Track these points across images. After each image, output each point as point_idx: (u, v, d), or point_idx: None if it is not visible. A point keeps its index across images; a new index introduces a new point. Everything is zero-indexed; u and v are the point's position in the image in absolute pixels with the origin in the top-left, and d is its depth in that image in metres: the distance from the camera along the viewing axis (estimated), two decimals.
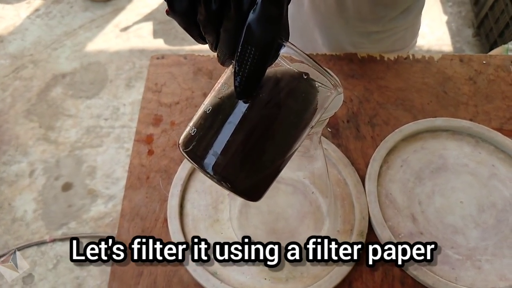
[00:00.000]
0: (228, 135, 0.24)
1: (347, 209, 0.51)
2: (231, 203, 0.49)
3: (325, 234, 0.48)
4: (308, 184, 0.47)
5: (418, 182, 0.53)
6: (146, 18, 1.96)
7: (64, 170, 1.47)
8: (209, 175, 0.24)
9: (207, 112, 0.25)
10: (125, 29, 1.91)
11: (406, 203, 0.51)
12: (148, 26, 1.93)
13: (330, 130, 0.58)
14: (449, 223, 0.50)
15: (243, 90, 0.23)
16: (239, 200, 0.46)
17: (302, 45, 0.70)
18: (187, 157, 0.25)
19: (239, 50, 0.22)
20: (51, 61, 1.78)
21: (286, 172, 0.44)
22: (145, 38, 1.88)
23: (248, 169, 0.25)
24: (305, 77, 0.25)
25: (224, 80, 0.26)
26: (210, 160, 0.24)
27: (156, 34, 1.89)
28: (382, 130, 0.58)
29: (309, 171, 0.42)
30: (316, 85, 0.25)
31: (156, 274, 0.47)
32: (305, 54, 0.24)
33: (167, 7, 0.23)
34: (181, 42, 1.83)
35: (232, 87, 0.24)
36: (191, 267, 0.46)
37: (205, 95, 0.62)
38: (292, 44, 0.24)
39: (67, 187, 1.43)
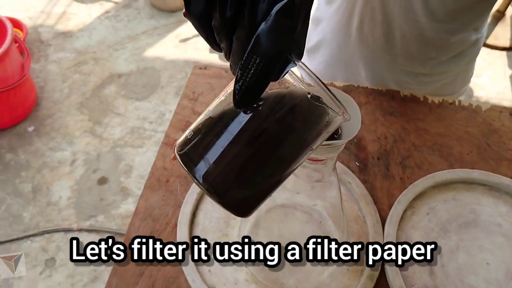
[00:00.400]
0: (223, 144, 0.24)
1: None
2: (243, 221, 0.49)
3: (333, 269, 0.46)
4: (322, 213, 0.45)
5: (443, 233, 0.50)
6: None
7: (102, 165, 1.52)
8: (198, 183, 0.24)
9: (207, 118, 0.25)
10: (184, 40, 1.98)
11: None
12: None
13: (358, 164, 0.56)
14: (470, 284, 0.46)
15: (241, 99, 0.22)
16: (252, 219, 0.46)
17: (346, 77, 0.69)
18: (179, 159, 0.25)
19: (244, 58, 0.22)
20: (111, 60, 1.87)
21: (304, 199, 0.43)
22: (201, 51, 1.94)
23: (239, 183, 0.24)
24: (309, 96, 0.24)
25: (231, 89, 0.25)
26: (201, 167, 0.24)
27: (212, 50, 1.95)
28: (413, 173, 0.56)
29: (323, 199, 0.41)
30: (323, 107, 0.24)
31: (156, 277, 0.47)
32: (315, 75, 0.23)
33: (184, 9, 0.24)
34: None
35: None
36: (190, 276, 0.46)
37: None
38: (304, 64, 0.24)
39: (102, 181, 1.48)
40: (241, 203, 0.25)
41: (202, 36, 0.25)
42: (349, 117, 0.25)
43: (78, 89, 1.75)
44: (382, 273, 0.46)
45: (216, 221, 0.51)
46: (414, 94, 0.64)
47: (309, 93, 0.24)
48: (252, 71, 0.22)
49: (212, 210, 0.52)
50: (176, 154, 0.25)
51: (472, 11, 0.56)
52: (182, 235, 0.49)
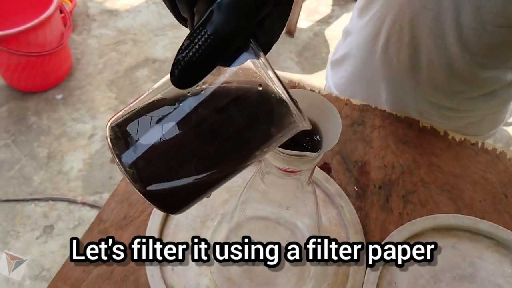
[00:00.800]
0: (156, 128, 0.21)
1: (339, 280, 0.44)
2: (221, 225, 0.45)
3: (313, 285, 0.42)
4: (304, 232, 0.41)
5: (433, 283, 0.45)
6: None
7: None
8: (119, 163, 0.21)
9: (149, 97, 0.22)
10: None
11: None
12: None
13: (356, 189, 0.52)
14: None
15: (179, 74, 0.19)
16: (230, 225, 0.43)
17: (365, 96, 0.65)
18: (107, 133, 0.22)
19: (194, 29, 0.19)
20: (149, 44, 1.89)
21: (287, 214, 0.39)
22: None
23: (167, 174, 0.21)
24: (260, 88, 0.21)
25: None
26: (130, 151, 0.21)
27: None
28: (415, 210, 0.51)
29: (297, 213, 0.37)
30: (277, 107, 0.21)
31: (117, 265, 0.45)
32: (273, 71, 0.20)
33: None
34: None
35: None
36: (150, 271, 0.43)
37: None
38: (265, 57, 0.20)
39: None
40: (165, 197, 0.22)
41: (167, 7, 0.22)
42: (308, 125, 0.21)
43: (112, 67, 1.78)
44: None
45: (192, 219, 0.48)
46: (435, 127, 0.59)
47: (260, 85, 0.21)
48: (197, 46, 0.19)
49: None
50: (107, 126, 0.22)
51: (511, 48, 0.51)
52: (152, 226, 0.46)
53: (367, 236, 0.48)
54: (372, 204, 0.51)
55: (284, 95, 0.20)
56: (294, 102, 0.20)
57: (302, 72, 1.87)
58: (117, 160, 0.21)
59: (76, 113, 1.60)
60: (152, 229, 0.46)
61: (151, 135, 0.21)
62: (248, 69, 0.20)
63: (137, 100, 0.22)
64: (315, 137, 0.29)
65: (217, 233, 0.45)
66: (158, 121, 0.21)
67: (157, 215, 0.47)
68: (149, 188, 0.21)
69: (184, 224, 0.48)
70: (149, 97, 0.22)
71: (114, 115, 0.22)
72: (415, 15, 0.50)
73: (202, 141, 0.21)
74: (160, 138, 0.21)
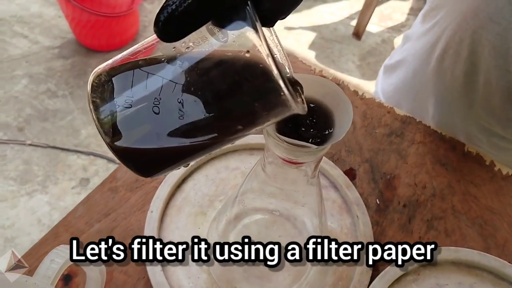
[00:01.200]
0: (142, 87, 0.19)
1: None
2: (224, 210, 0.44)
3: None
4: (307, 225, 0.39)
5: None
6: (312, 28, 1.98)
7: None
8: (95, 111, 0.20)
9: (138, 53, 0.21)
10: (290, 29, 1.95)
11: None
12: (310, 36, 1.94)
13: (378, 202, 0.49)
14: None
15: (164, 25, 0.18)
16: (229, 216, 0.42)
17: (411, 108, 0.61)
18: (91, 79, 0.21)
19: None
20: None
21: (283, 204, 0.38)
22: (301, 44, 1.90)
23: (141, 134, 0.20)
24: (248, 55, 0.18)
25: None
26: (108, 98, 0.20)
27: (312, 46, 1.90)
28: (437, 238, 0.47)
29: (303, 208, 0.35)
30: (264, 80, 0.18)
31: (119, 224, 0.45)
32: (268, 45, 0.18)
33: None
34: (330, 64, 1.81)
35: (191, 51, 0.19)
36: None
37: None
38: (260, 26, 0.18)
39: None
40: (138, 158, 0.21)
41: None
42: (303, 110, 0.19)
43: None
44: None
45: (201, 196, 0.47)
46: (481, 154, 0.54)
47: (248, 51, 0.18)
48: None
49: (203, 183, 0.48)
50: (91, 78, 0.21)
51: None
52: (161, 194, 0.46)
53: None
54: (391, 221, 0.48)
55: (273, 67, 0.17)
56: (291, 80, 0.18)
57: (362, 77, 1.81)
58: (93, 108, 0.20)
59: None
60: (159, 197, 0.45)
61: (132, 92, 0.20)
62: (246, 40, 0.18)
63: (129, 52, 0.21)
64: (328, 130, 0.27)
65: (221, 216, 0.44)
66: (141, 79, 0.20)
67: (167, 184, 0.47)
68: (118, 144, 0.20)
69: (192, 199, 0.47)
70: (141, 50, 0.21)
71: (104, 64, 0.22)
72: (479, 28, 0.45)
73: (180, 106, 0.20)
74: (141, 97, 0.20)
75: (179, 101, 0.19)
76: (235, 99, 0.19)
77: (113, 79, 0.20)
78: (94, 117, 0.20)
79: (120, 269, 0.42)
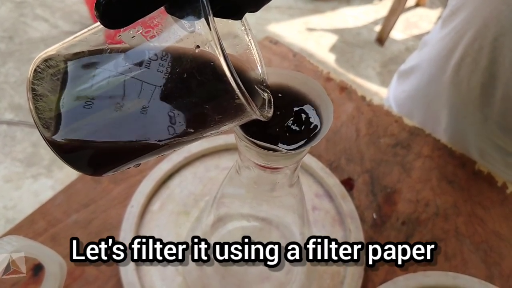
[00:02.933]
0: (87, 78, 0.17)
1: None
2: (200, 221, 0.42)
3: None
4: (284, 232, 0.37)
5: None
6: (334, 31, 1.94)
7: None
8: (35, 101, 0.18)
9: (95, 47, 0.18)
10: (311, 30, 1.92)
11: None
12: (332, 38, 1.90)
13: (375, 217, 0.46)
14: None
15: (105, 7, 0.15)
16: (207, 223, 0.39)
17: (423, 118, 0.57)
18: (35, 64, 0.19)
19: None
20: None
21: (260, 212, 0.35)
22: (321, 46, 1.86)
23: (83, 130, 0.18)
24: (197, 51, 0.16)
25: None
26: (59, 88, 0.18)
27: (333, 49, 1.86)
28: (438, 261, 0.43)
29: (281, 214, 0.32)
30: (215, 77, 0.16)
31: (97, 216, 0.43)
32: (220, 42, 0.15)
33: None
34: (349, 69, 1.76)
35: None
36: (124, 233, 0.40)
37: None
38: (214, 23, 0.15)
39: None
40: (78, 156, 0.19)
41: None
42: (263, 116, 0.17)
43: None
44: None
45: (187, 194, 0.45)
46: (493, 174, 0.50)
47: (198, 46, 0.16)
48: None
49: (190, 181, 0.46)
50: (35, 62, 0.19)
51: None
52: (144, 189, 0.43)
53: (368, 273, 0.41)
54: (387, 238, 0.44)
55: (225, 67, 0.15)
56: (259, 82, 0.15)
57: (382, 84, 1.76)
58: (31, 96, 0.18)
59: None
60: (141, 192, 0.43)
61: (77, 83, 0.17)
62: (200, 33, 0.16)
63: (76, 38, 0.19)
64: (311, 130, 0.24)
65: (202, 219, 0.41)
66: (87, 69, 0.17)
67: (152, 179, 0.44)
68: (59, 138, 0.18)
69: (177, 197, 0.44)
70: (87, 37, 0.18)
71: (50, 48, 0.19)
72: (501, 35, 0.42)
73: (126, 102, 0.17)
74: (85, 88, 0.17)
75: (125, 98, 0.17)
76: (183, 101, 0.17)
77: (65, 67, 0.18)
78: (32, 106, 0.18)
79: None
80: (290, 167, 0.25)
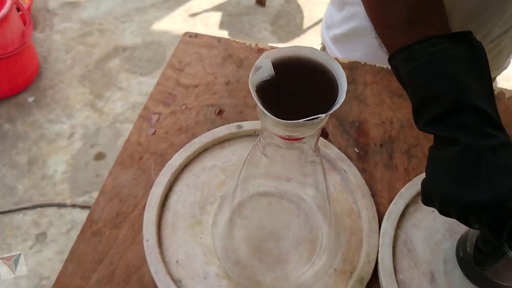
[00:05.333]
0: None
1: (353, 247, 0.42)
2: (222, 208, 0.42)
3: (318, 268, 0.40)
4: (311, 204, 0.39)
5: (449, 236, 0.43)
6: (216, 8, 1.95)
7: (101, 140, 1.47)
8: None
9: None
10: (194, 15, 1.91)
11: (428, 257, 0.42)
12: (217, 16, 1.91)
13: (357, 150, 0.50)
14: None
15: None
16: (232, 205, 0.40)
17: (365, 51, 0.61)
18: None
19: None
20: (117, 33, 1.81)
21: (294, 187, 0.37)
22: (210, 27, 1.86)
23: None
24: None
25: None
26: None
27: (222, 25, 1.87)
28: (420, 164, 0.49)
29: (304, 185, 0.35)
30: None
31: (117, 265, 0.42)
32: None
33: None
34: (245, 38, 1.80)
35: None
36: (154, 267, 0.40)
37: (228, 83, 0.56)
38: None
39: (99, 156, 1.43)
40: None
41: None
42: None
43: (81, 61, 1.70)
44: (375, 278, 0.40)
45: (190, 206, 0.45)
46: None
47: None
48: None
49: (187, 193, 0.46)
50: None
51: None
52: (149, 219, 0.43)
53: (375, 198, 0.46)
54: (375, 164, 0.49)
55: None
56: None
57: (278, 41, 1.83)
58: None
59: (51, 114, 1.53)
60: (149, 223, 0.43)
61: None
62: None
63: None
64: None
65: (219, 216, 0.42)
66: None
67: (152, 207, 0.44)
68: None
69: (182, 213, 0.45)
70: None
71: None
72: None
73: None
74: None
75: None
76: None
77: None
78: None
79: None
80: (313, 136, 0.27)
